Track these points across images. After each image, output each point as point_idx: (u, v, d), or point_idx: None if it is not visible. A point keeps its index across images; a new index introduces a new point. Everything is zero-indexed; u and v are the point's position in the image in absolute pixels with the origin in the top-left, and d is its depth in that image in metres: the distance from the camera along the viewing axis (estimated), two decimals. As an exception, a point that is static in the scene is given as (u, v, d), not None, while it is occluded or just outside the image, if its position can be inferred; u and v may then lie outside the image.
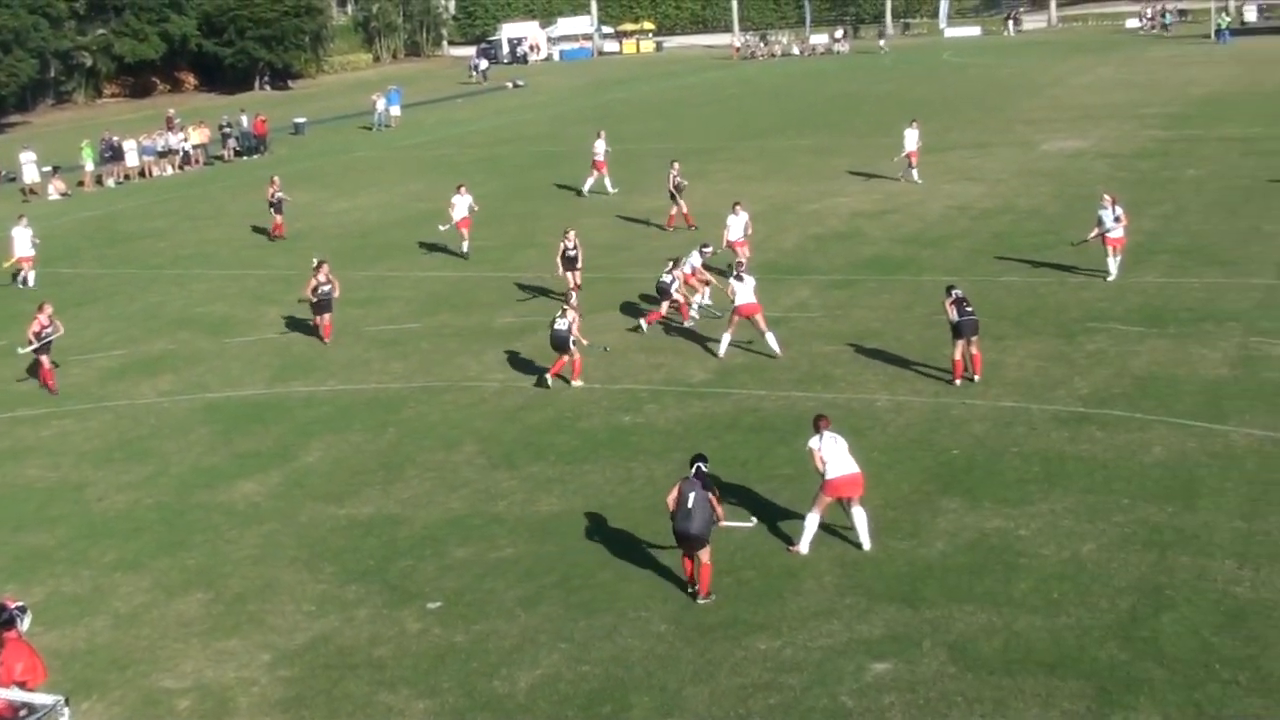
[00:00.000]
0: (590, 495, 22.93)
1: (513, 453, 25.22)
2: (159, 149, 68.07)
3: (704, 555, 18.82)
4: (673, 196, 43.98)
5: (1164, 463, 22.43)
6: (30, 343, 30.77)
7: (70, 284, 41.74)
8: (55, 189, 61.59)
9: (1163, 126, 59.42)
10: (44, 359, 30.90)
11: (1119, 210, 33.26)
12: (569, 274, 36.10)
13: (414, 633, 18.69)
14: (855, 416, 25.46)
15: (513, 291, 37.36)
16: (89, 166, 64.59)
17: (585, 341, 28.96)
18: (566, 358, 28.57)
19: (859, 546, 19.90)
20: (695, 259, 33.57)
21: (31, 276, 42.54)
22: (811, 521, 19.96)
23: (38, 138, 79.63)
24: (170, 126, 71.98)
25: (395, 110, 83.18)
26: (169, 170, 68.02)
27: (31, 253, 42.76)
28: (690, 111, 79.52)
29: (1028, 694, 16.01)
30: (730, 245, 36.97)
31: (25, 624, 15.50)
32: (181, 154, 69.21)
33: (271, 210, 47.66)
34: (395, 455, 25.56)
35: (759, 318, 29.30)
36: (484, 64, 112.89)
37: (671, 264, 32.74)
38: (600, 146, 52.80)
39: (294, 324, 35.33)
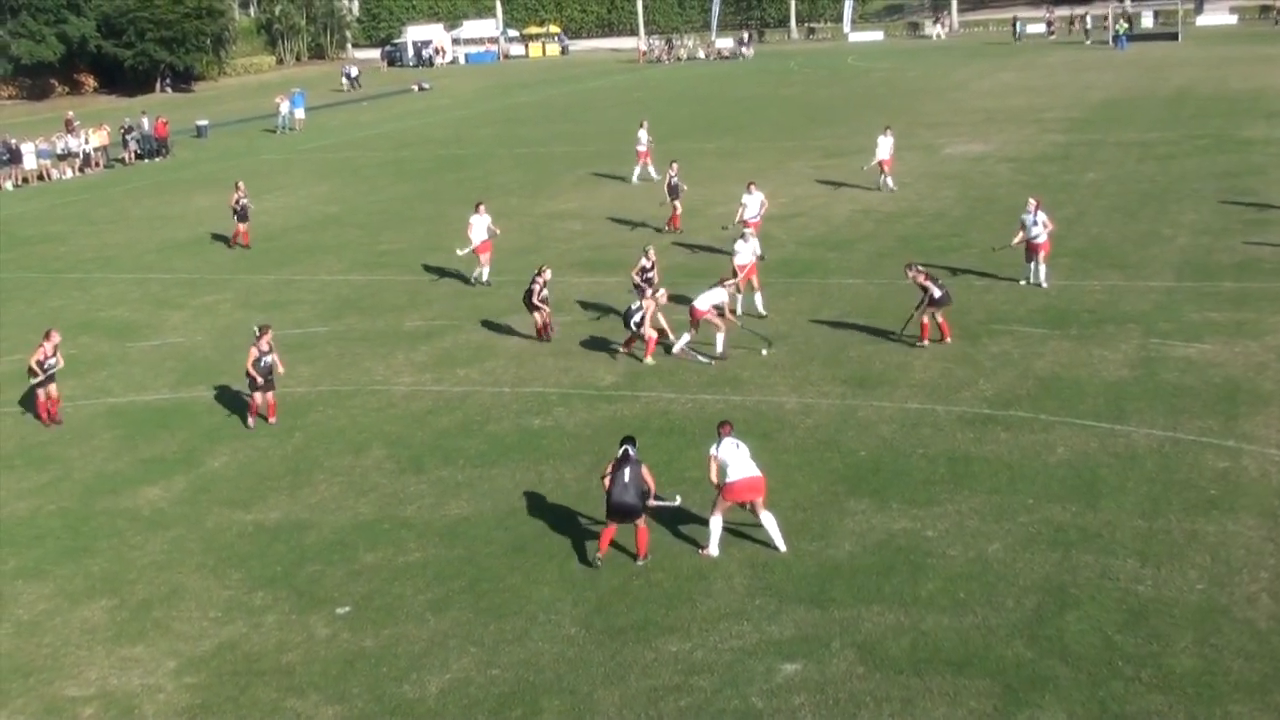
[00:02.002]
0: (499, 499, 22.88)
1: (421, 457, 25.11)
2: (58, 152, 67.05)
3: (640, 522, 19.77)
4: (671, 196, 43.42)
5: (1067, 463, 22.74)
6: (33, 374, 28.03)
7: (-33, 288, 41.03)
8: (-49, 191, 60.59)
9: (1063, 131, 60.28)
10: (42, 391, 28.11)
11: (1042, 215, 33.41)
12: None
13: (322, 638, 18.56)
14: (764, 419, 25.62)
15: (420, 294, 37.21)
16: (-15, 169, 63.57)
17: (653, 331, 29.65)
18: (641, 337, 29.70)
19: (773, 547, 19.97)
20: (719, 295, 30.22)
21: None
22: (715, 523, 20.05)
23: (-68, 139, 78.12)
24: (69, 129, 70.83)
25: (299, 113, 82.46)
26: (68, 173, 67.04)
27: None
28: (596, 115, 79.58)
29: (935, 693, 16.16)
30: (744, 223, 37.43)
31: None
32: (81, 156, 68.21)
33: (235, 217, 45.40)
34: (302, 460, 25.36)
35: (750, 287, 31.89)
36: (355, 71, 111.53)
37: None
38: (643, 136, 53.65)
39: (198, 329, 35.00)
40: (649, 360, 29.48)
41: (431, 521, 22.16)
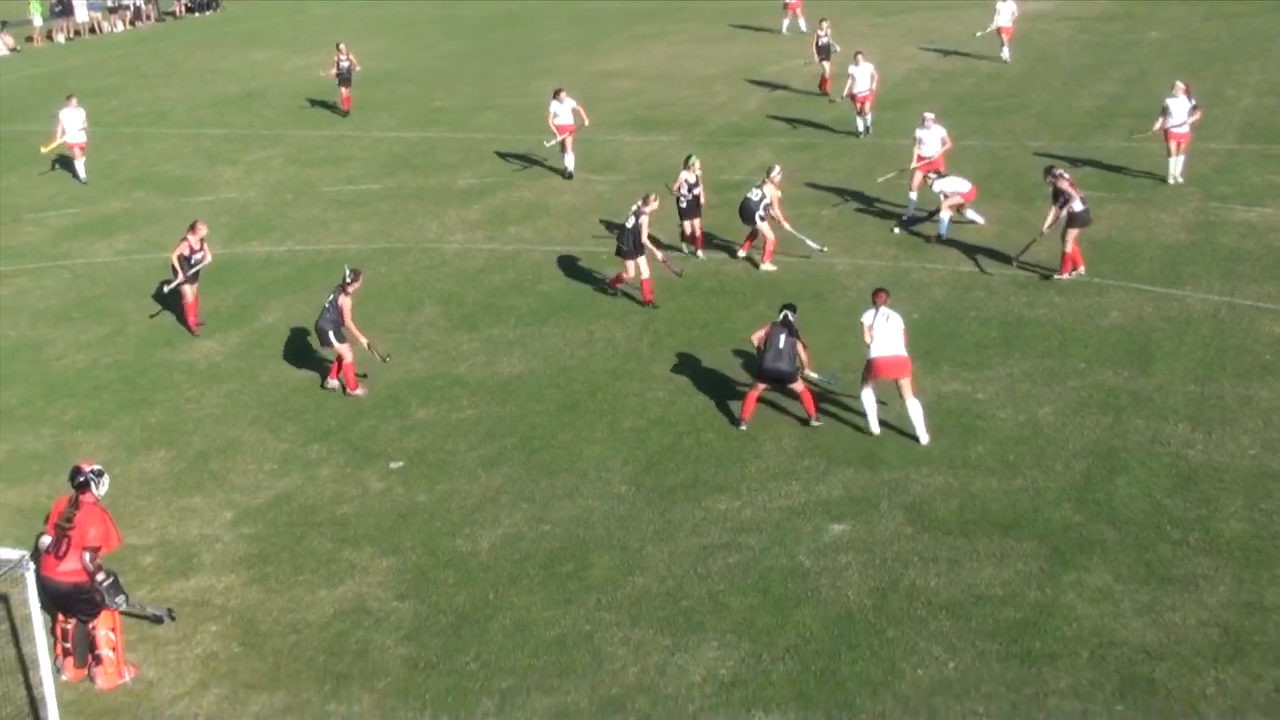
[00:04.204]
0: (551, 357, 22.99)
1: (473, 314, 25.21)
2: (109, 4, 66.92)
3: (797, 387, 19.75)
4: (820, 57, 41.35)
5: (1121, 327, 22.63)
6: (175, 274, 24.92)
7: (21, 141, 40.95)
8: (4, 44, 60.55)
9: (1126, -12, 59.14)
10: (188, 290, 25.10)
11: (1195, 100, 30.14)
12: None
13: (376, 492, 18.80)
14: (815, 280, 25.55)
15: (473, 152, 37.09)
16: (38, 21, 63.52)
17: (787, 225, 26.57)
18: (755, 235, 26.60)
19: (915, 440, 19.14)
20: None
21: (81, 166, 36.68)
22: (866, 398, 19.36)
23: (-16, -9, 78.05)
24: (120, -20, 70.64)
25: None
26: (120, 26, 66.90)
27: (83, 139, 36.65)
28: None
29: (982, 554, 16.24)
30: (853, 97, 36.49)
31: (102, 488, 14.86)
32: (132, 9, 68.00)
33: (337, 81, 42.55)
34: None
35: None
36: None
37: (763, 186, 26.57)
38: None
39: (250, 184, 35.10)
40: (767, 265, 26.45)
41: (483, 379, 22.30)
